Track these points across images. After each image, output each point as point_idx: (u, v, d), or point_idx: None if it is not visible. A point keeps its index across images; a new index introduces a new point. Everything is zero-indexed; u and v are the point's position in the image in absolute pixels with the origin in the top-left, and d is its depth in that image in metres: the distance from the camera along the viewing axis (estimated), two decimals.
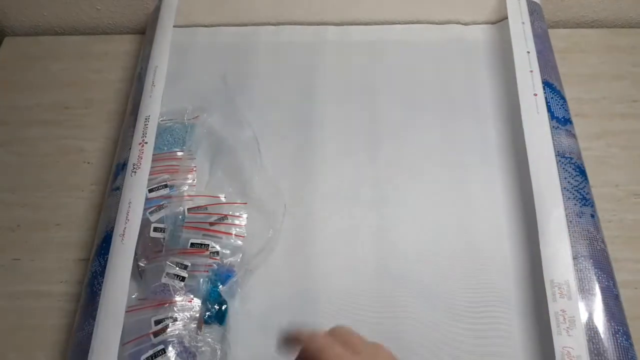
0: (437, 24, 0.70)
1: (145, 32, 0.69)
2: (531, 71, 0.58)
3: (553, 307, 0.45)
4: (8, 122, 0.65)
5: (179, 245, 0.50)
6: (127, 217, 0.50)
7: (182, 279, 0.48)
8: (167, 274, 0.48)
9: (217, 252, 0.50)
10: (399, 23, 0.71)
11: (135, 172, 0.53)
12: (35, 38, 0.74)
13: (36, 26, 0.76)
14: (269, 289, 0.51)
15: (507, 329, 0.48)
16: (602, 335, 0.43)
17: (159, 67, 0.61)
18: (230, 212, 0.53)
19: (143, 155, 0.54)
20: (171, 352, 0.45)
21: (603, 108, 0.63)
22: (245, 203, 0.54)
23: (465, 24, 0.70)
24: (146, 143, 0.55)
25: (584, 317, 0.44)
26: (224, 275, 0.50)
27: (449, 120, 0.61)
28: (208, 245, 0.50)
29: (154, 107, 0.57)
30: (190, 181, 0.55)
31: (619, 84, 0.65)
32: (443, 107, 0.62)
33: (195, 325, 0.47)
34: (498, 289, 0.50)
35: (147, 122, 0.56)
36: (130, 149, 0.55)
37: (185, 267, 0.49)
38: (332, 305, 0.50)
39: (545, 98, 0.56)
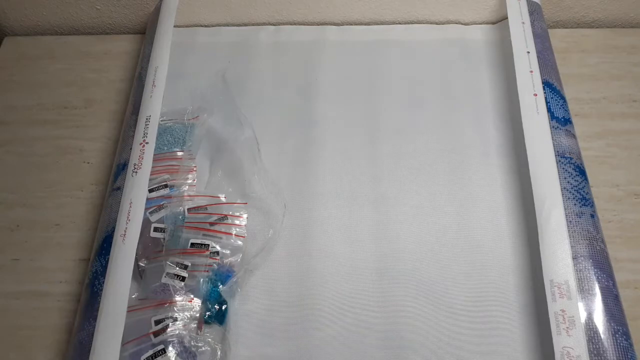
0: (437, 24, 0.70)
1: (145, 32, 0.69)
2: (531, 71, 0.58)
3: (553, 307, 0.45)
4: (8, 122, 0.65)
5: (179, 246, 0.50)
6: (128, 218, 0.50)
7: (182, 278, 0.48)
8: (167, 273, 0.48)
9: (217, 252, 0.50)
10: (399, 23, 0.71)
11: (136, 172, 0.53)
12: (35, 38, 0.74)
13: (36, 26, 0.75)
14: (269, 289, 0.51)
15: (508, 328, 0.48)
16: (602, 336, 0.43)
17: (159, 68, 0.61)
18: (231, 212, 0.53)
19: (144, 156, 0.54)
20: (171, 352, 0.45)
21: (603, 108, 0.63)
22: (246, 203, 0.54)
23: (465, 24, 0.70)
24: (147, 143, 0.55)
25: (583, 317, 0.44)
26: (224, 275, 0.50)
27: (448, 120, 0.61)
28: (208, 245, 0.50)
29: (155, 108, 0.57)
30: (190, 181, 0.55)
31: (619, 83, 0.65)
32: (443, 107, 0.62)
33: (195, 325, 0.47)
34: (498, 288, 0.50)
35: (147, 123, 0.56)
36: (131, 149, 0.55)
37: (185, 267, 0.49)
38: (332, 305, 0.50)
39: (545, 98, 0.56)
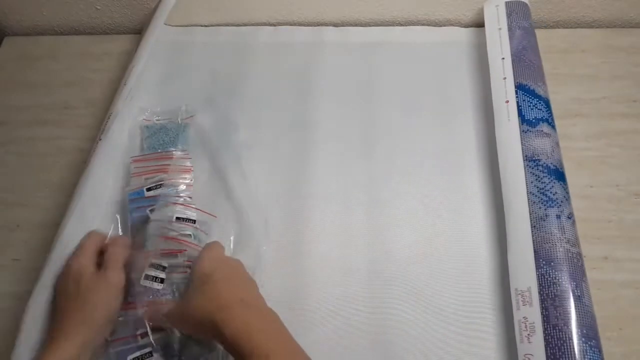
0: (435, 25, 0.70)
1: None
2: (504, 78, 0.57)
3: (517, 316, 0.45)
4: (8, 122, 0.66)
5: (150, 243, 0.50)
6: None
7: (161, 280, 0.48)
8: (146, 275, 0.47)
9: (192, 235, 0.50)
10: (398, 24, 0.71)
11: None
12: (35, 38, 0.74)
13: (36, 26, 0.76)
14: (261, 291, 0.50)
15: (497, 333, 0.48)
16: (558, 341, 0.42)
17: (135, 67, 0.62)
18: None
19: (95, 152, 0.56)
20: (157, 355, 0.45)
21: (603, 108, 0.63)
22: (215, 217, 0.53)
23: (464, 26, 0.70)
24: (100, 140, 0.56)
25: (543, 322, 0.43)
26: None
27: (445, 123, 0.61)
28: (194, 221, 0.50)
29: (118, 106, 0.59)
30: (187, 181, 0.55)
31: (619, 84, 0.65)
32: (440, 109, 0.62)
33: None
34: (488, 292, 0.50)
35: (107, 120, 0.58)
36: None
37: (163, 269, 0.48)
38: (323, 308, 0.50)
39: (517, 103, 0.55)
